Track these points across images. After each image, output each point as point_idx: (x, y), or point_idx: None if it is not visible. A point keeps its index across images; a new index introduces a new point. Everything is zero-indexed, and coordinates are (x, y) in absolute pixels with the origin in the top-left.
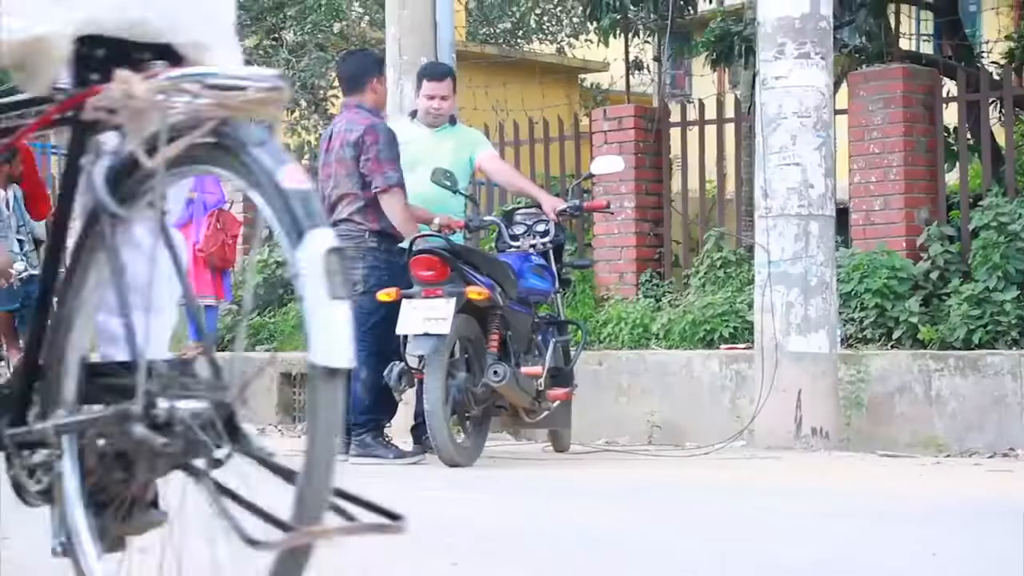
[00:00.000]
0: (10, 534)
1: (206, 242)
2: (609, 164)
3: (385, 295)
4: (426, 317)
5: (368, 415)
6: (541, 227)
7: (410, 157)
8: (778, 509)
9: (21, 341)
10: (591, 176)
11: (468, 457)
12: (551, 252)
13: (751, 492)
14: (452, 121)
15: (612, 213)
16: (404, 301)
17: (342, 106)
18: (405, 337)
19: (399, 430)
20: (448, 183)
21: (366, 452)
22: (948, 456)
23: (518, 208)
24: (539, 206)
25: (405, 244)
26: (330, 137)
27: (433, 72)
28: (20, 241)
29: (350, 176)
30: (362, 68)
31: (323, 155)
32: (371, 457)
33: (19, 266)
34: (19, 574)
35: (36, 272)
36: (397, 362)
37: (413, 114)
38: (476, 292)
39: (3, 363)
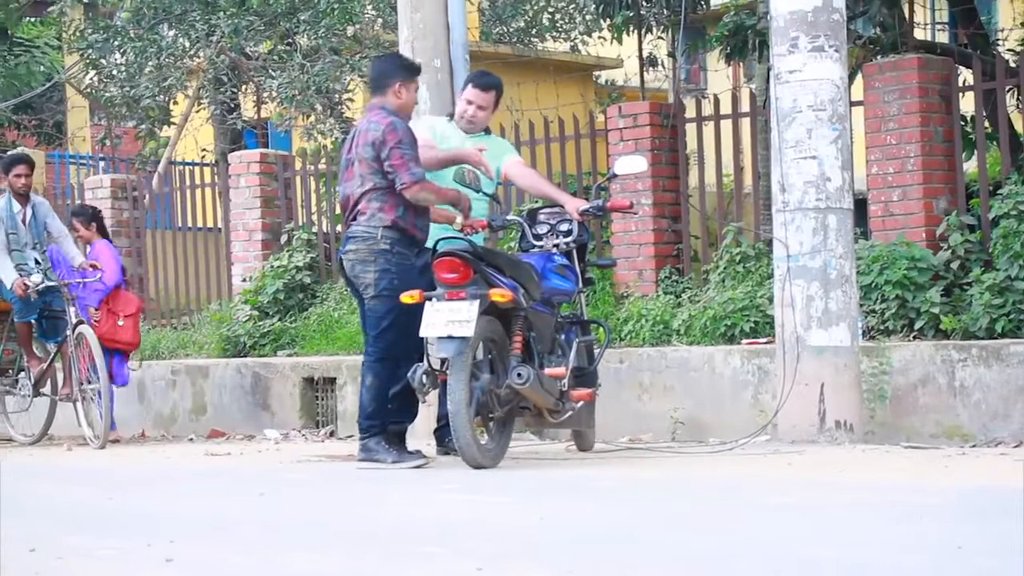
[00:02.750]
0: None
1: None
2: (632, 164)
3: (408, 297)
4: (449, 319)
5: (371, 420)
6: (564, 227)
7: None
8: (803, 505)
9: (39, 351)
10: (614, 176)
11: (492, 458)
12: (574, 251)
13: (776, 488)
14: (487, 130)
15: (635, 213)
16: (427, 303)
17: (367, 107)
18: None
19: (423, 433)
20: (471, 183)
21: (368, 456)
22: (974, 446)
23: (541, 208)
24: (562, 206)
25: (429, 243)
26: (353, 137)
27: (481, 80)
28: (36, 260)
29: (373, 173)
30: (386, 71)
31: (345, 156)
32: (372, 461)
33: (35, 278)
34: None
35: (53, 283)
36: (420, 363)
37: (451, 115)
38: (499, 294)
39: (23, 374)
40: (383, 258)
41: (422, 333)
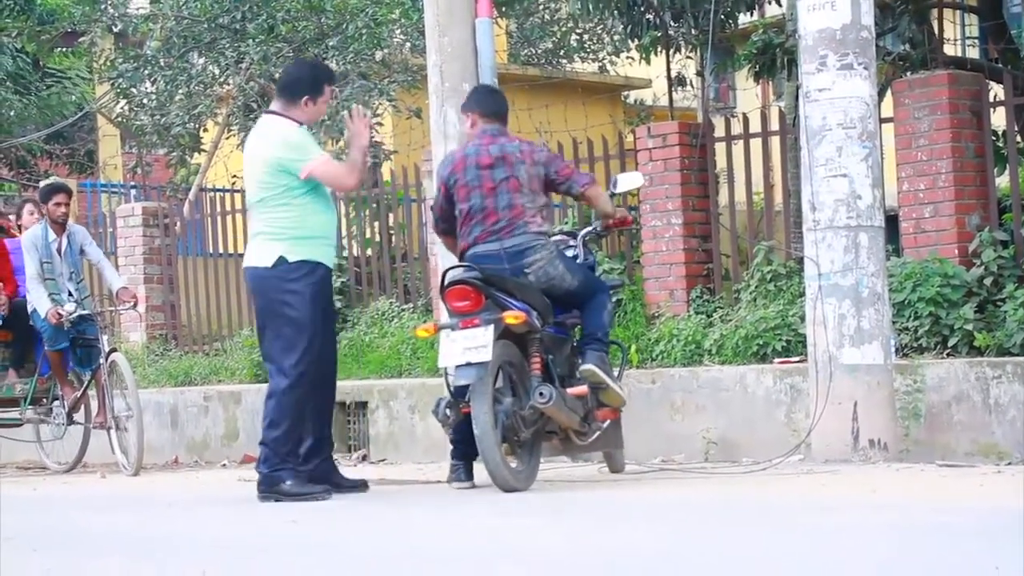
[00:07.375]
0: None
1: None
2: (630, 180)
3: (423, 331)
4: (466, 347)
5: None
6: (570, 252)
7: None
8: (840, 525)
9: (73, 378)
10: (614, 195)
11: (524, 481)
12: None
13: (812, 508)
14: None
15: (634, 230)
16: (442, 334)
17: (490, 131)
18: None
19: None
20: None
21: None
22: (1009, 464)
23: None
24: (571, 234)
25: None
26: (502, 157)
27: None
28: (69, 291)
29: (541, 191)
30: (505, 106)
31: (492, 170)
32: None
33: (69, 307)
34: None
35: (86, 312)
36: (443, 396)
37: (300, 122)
38: (513, 316)
39: (57, 402)
40: (562, 259)
41: (440, 364)
